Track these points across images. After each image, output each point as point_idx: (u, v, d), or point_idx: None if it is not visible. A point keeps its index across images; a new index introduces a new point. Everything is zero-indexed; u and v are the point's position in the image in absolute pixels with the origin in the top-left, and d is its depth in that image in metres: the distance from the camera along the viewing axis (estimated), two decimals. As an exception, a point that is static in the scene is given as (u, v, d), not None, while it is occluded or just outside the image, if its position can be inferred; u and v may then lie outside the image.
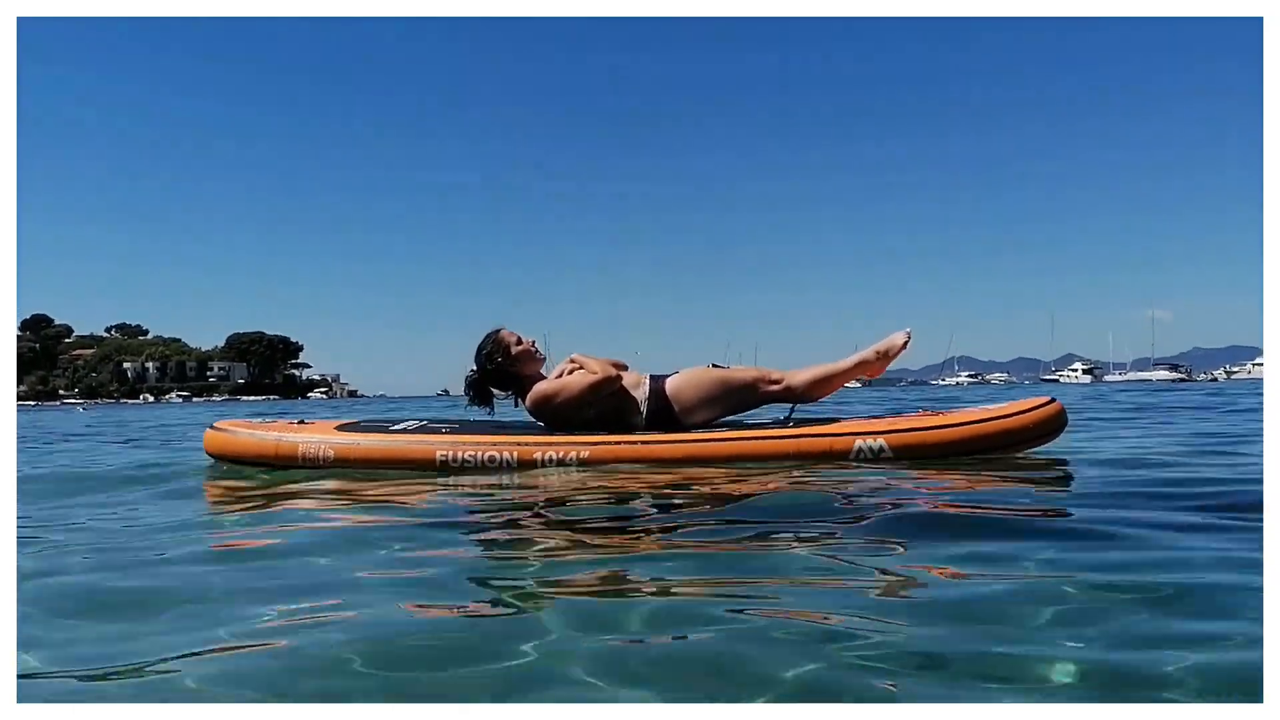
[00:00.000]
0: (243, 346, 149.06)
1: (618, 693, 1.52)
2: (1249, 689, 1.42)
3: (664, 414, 4.42)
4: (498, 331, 4.62)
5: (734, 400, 4.54)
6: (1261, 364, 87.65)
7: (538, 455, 4.20)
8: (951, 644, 1.66)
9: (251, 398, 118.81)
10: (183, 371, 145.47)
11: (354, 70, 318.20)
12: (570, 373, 4.49)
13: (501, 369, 4.56)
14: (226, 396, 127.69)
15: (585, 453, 4.18)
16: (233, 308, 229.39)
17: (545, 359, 4.60)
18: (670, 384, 4.47)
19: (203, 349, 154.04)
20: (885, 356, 4.61)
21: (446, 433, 4.46)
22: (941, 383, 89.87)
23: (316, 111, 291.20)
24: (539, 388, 4.47)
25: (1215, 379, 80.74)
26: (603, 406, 4.43)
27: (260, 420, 4.92)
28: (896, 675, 1.53)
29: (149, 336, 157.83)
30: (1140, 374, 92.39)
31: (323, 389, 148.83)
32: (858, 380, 5.37)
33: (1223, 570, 2.12)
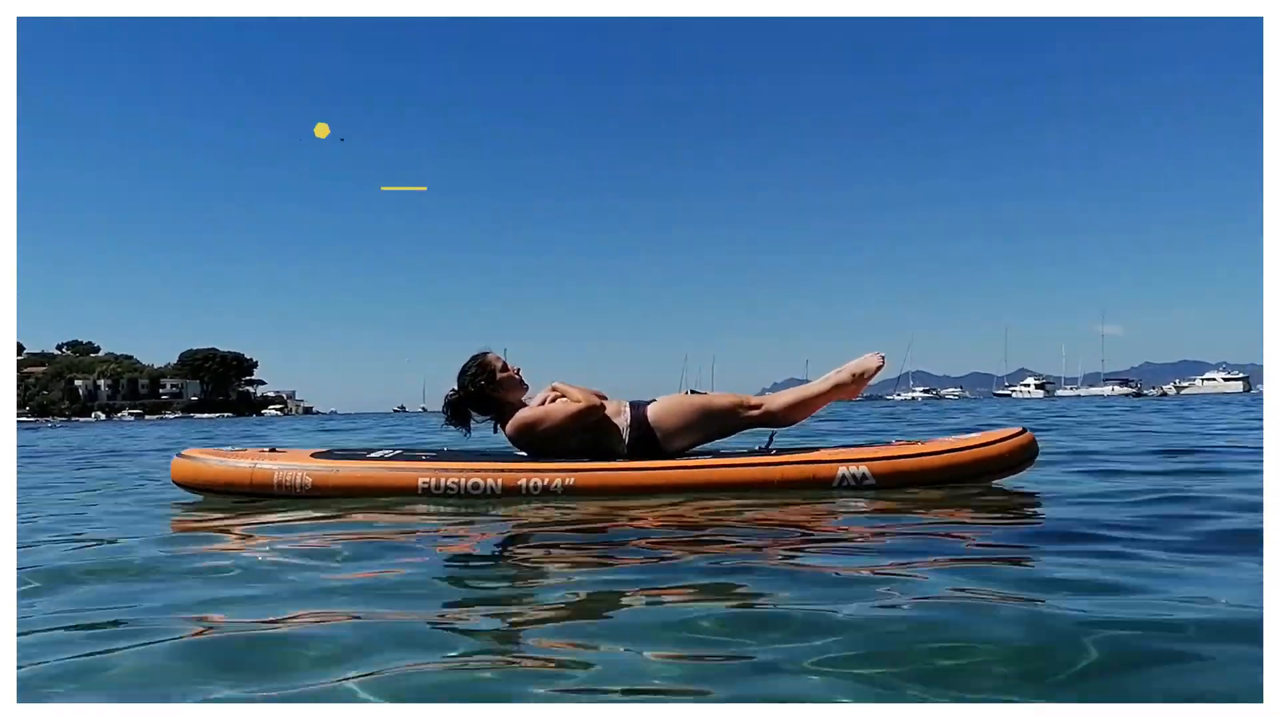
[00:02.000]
0: (196, 363, 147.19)
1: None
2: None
3: (647, 441, 4.41)
4: (484, 355, 4.58)
5: (715, 426, 4.55)
6: (1211, 378, 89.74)
7: (522, 482, 4.16)
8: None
9: (205, 415, 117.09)
10: (135, 389, 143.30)
11: (308, 79, 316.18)
12: (552, 401, 4.45)
13: (484, 392, 4.51)
14: (180, 414, 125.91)
15: (570, 480, 4.15)
16: (185, 324, 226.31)
17: (529, 387, 4.55)
18: (652, 411, 4.45)
19: (155, 366, 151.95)
20: (860, 379, 4.68)
21: (427, 460, 4.39)
22: (897, 397, 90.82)
23: (269, 123, 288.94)
24: (521, 415, 4.42)
25: (1166, 393, 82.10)
26: (585, 435, 4.41)
27: (230, 449, 4.82)
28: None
29: (100, 354, 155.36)
30: (1092, 389, 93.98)
31: (278, 405, 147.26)
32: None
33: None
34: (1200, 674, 1.67)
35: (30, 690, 1.70)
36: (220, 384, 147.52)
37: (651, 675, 1.74)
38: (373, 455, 4.53)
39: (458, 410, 4.59)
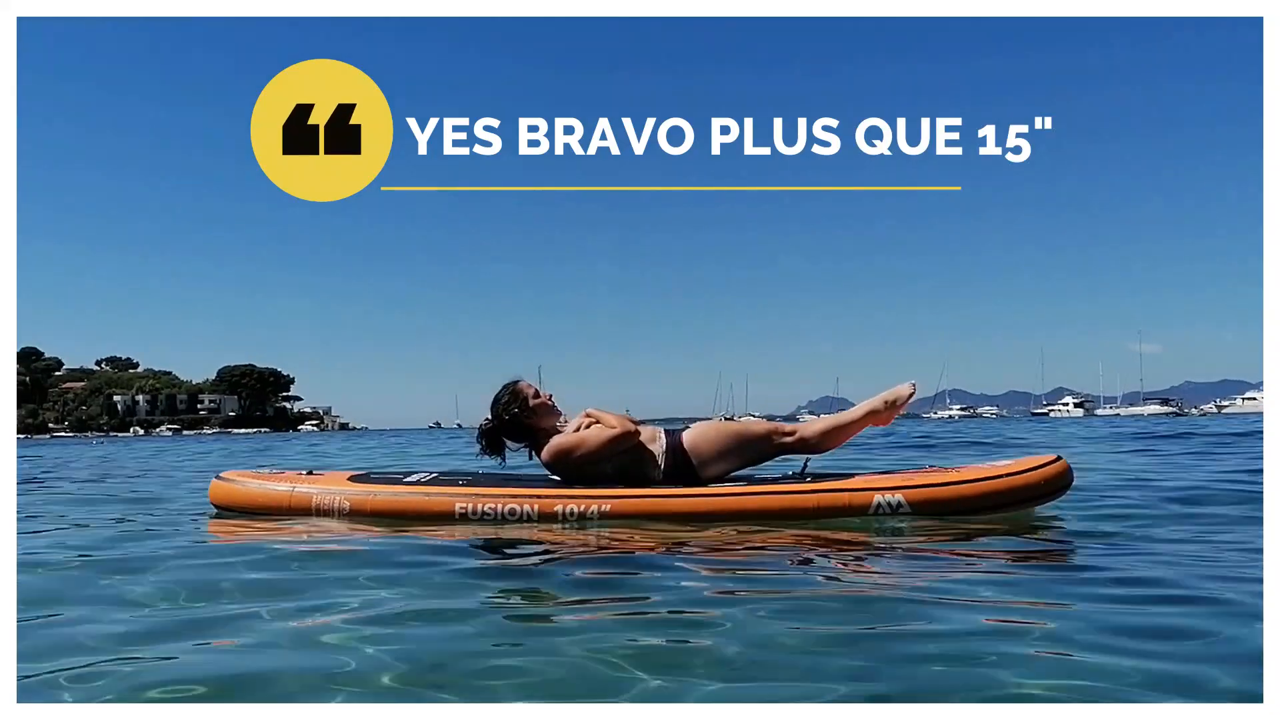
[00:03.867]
0: (233, 379, 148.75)
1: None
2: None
3: (682, 468, 4.42)
4: (516, 383, 4.62)
5: (750, 453, 4.56)
6: (1253, 398, 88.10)
7: (559, 508, 4.19)
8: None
9: (242, 430, 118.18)
10: (173, 404, 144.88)
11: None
12: (587, 427, 4.48)
13: (518, 420, 4.55)
14: (217, 430, 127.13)
15: (607, 506, 4.17)
16: (223, 340, 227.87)
17: (563, 414, 4.58)
18: (688, 438, 4.47)
19: (193, 381, 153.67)
20: (893, 406, 4.70)
21: (464, 485, 4.43)
22: (933, 416, 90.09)
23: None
24: (556, 441, 4.45)
25: (1207, 413, 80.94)
26: (621, 461, 4.43)
27: (267, 471, 4.89)
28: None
29: (139, 369, 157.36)
30: (1132, 408, 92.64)
31: (314, 421, 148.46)
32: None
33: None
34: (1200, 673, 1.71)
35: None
36: (257, 400, 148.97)
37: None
38: (409, 479, 4.57)
39: (492, 439, 4.64)
